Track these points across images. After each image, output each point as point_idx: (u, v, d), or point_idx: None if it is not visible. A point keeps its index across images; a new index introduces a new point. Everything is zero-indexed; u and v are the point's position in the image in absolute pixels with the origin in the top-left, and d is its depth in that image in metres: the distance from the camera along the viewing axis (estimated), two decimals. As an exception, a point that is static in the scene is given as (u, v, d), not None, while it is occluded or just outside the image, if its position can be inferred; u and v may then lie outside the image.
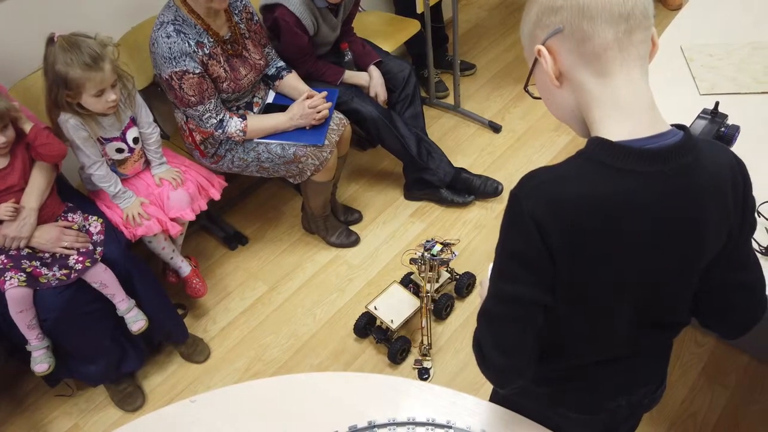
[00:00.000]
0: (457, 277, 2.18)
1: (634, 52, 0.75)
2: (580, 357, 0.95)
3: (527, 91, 0.88)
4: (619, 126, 0.77)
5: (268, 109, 2.20)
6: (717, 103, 1.27)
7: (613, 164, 0.75)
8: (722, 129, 1.25)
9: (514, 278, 0.82)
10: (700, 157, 0.78)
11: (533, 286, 0.81)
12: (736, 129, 1.25)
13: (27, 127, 1.68)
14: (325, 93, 2.14)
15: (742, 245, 0.89)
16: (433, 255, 2.05)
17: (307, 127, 2.11)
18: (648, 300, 0.87)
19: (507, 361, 0.86)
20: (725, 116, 1.27)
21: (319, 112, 2.09)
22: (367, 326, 2.08)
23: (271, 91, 2.25)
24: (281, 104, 2.18)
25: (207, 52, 1.91)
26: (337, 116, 2.19)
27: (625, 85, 0.76)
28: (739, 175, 0.84)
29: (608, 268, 0.81)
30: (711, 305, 0.94)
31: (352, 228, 2.50)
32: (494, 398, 1.14)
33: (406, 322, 2.01)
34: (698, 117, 1.28)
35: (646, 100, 0.78)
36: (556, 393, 1.02)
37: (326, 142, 2.11)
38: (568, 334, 0.91)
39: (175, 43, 1.84)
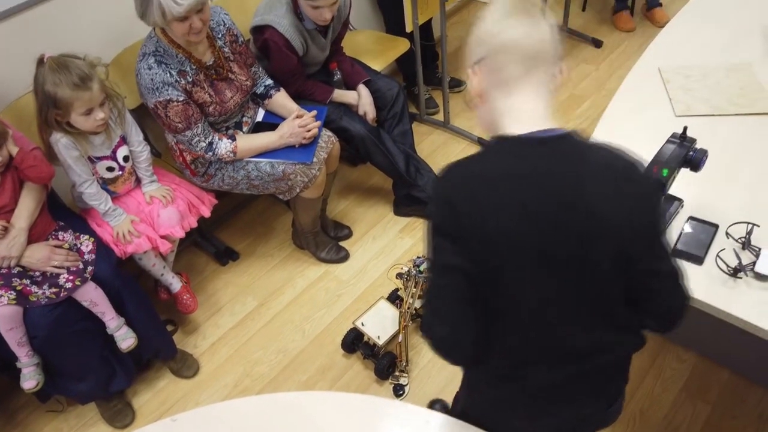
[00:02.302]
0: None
1: (534, 80, 0.95)
2: (517, 351, 1.02)
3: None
4: (518, 129, 0.95)
5: (257, 127, 2.23)
6: (685, 128, 1.31)
7: (505, 148, 0.95)
8: (690, 153, 1.29)
9: (438, 249, 0.96)
10: (586, 152, 0.95)
11: (454, 254, 0.94)
12: (704, 153, 1.29)
13: (14, 150, 1.72)
14: (314, 112, 2.18)
15: (656, 241, 0.99)
16: (419, 271, 2.08)
17: (296, 145, 2.15)
18: (566, 285, 0.95)
19: (443, 329, 0.98)
20: (693, 140, 1.30)
21: (309, 131, 2.13)
22: (354, 342, 2.11)
23: (260, 109, 2.29)
24: (271, 122, 2.22)
25: (190, 80, 1.95)
26: (326, 134, 2.22)
27: (524, 102, 0.96)
28: (634, 174, 0.95)
29: (511, 235, 0.92)
30: (635, 296, 1.01)
31: (342, 243, 2.53)
32: (454, 409, 1.20)
33: (393, 338, 2.03)
34: (667, 141, 1.31)
35: (542, 111, 0.96)
36: (502, 395, 1.09)
37: (315, 160, 2.14)
38: (500, 325, 0.99)
39: (156, 74, 1.88)
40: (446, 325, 0.97)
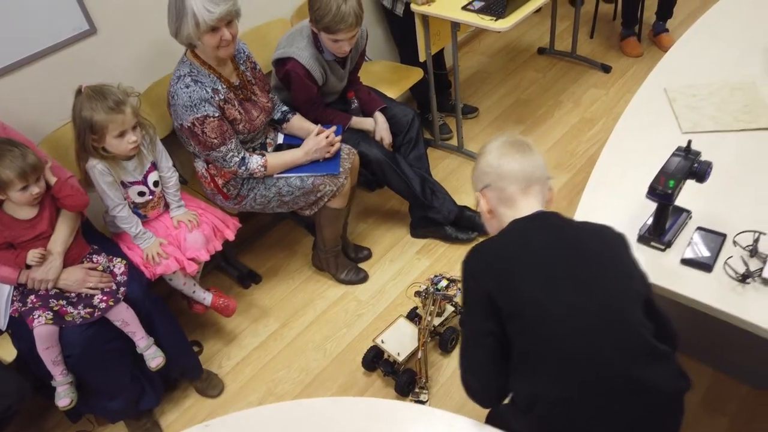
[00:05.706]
0: (462, 310, 2.25)
1: (531, 194, 1.24)
2: (556, 401, 1.14)
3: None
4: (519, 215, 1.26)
5: (278, 149, 2.34)
6: (689, 141, 1.37)
7: (516, 226, 1.23)
8: (695, 165, 1.34)
9: (471, 315, 1.22)
10: (570, 220, 1.26)
11: (484, 319, 1.17)
12: (708, 164, 1.35)
13: (51, 180, 1.83)
14: (333, 128, 2.30)
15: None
16: (437, 289, 2.13)
17: (320, 160, 2.25)
18: (590, 333, 1.12)
19: (476, 382, 1.23)
20: (698, 153, 1.36)
21: (332, 145, 2.25)
22: (374, 359, 2.16)
23: (279, 133, 2.40)
24: (291, 143, 2.33)
25: (222, 97, 2.08)
26: (346, 147, 2.34)
27: (524, 208, 1.24)
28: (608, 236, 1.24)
29: (531, 286, 1.14)
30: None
31: (361, 265, 2.60)
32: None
33: (413, 355, 2.08)
34: (673, 154, 1.37)
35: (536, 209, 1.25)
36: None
37: (341, 170, 2.24)
38: (535, 372, 1.16)
39: (194, 91, 2.00)
40: (476, 377, 1.25)
